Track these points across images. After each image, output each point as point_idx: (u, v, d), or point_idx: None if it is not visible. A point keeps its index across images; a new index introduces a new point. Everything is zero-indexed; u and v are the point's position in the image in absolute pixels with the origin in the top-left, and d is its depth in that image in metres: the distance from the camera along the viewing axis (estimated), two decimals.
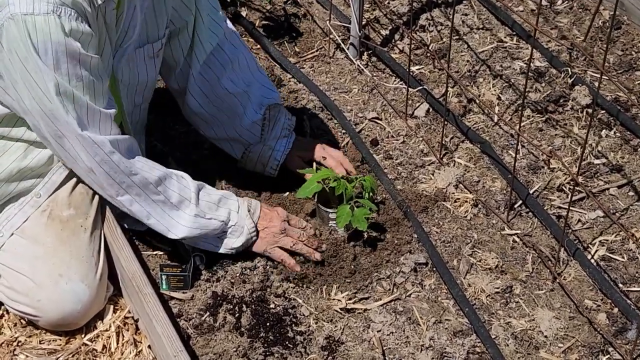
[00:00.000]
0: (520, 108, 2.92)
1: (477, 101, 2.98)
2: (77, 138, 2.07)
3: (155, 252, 2.44)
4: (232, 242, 2.33)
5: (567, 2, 3.41)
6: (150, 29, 2.31)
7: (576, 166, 2.69)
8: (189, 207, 2.26)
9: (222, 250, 2.34)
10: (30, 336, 2.26)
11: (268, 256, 2.37)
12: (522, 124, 2.79)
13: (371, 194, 2.46)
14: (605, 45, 3.17)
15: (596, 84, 3.02)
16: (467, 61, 3.14)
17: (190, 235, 2.27)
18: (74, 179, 2.31)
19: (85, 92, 2.05)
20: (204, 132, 2.62)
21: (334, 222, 2.42)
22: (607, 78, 3.00)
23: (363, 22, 3.12)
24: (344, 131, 2.85)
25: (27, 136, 2.20)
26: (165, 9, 2.34)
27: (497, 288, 2.37)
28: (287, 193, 2.59)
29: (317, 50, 3.24)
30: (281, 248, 2.37)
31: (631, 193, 2.65)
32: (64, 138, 2.08)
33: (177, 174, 2.27)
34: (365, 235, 2.43)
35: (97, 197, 2.36)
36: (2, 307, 2.30)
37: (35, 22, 1.92)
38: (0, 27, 1.94)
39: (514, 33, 3.28)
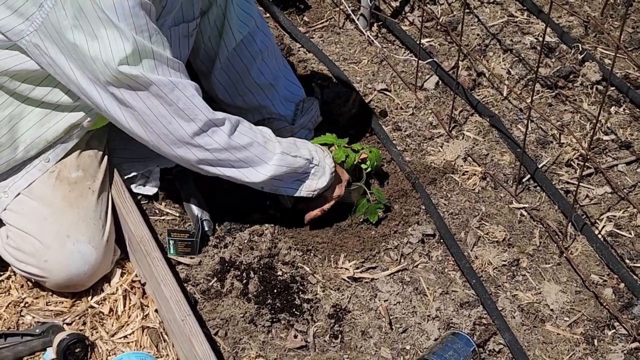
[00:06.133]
0: (530, 82, 2.91)
1: (487, 75, 2.97)
2: (166, 96, 2.04)
3: (163, 218, 2.44)
4: (314, 184, 2.30)
5: None
6: (187, 8, 2.30)
7: (585, 142, 2.69)
8: (274, 145, 2.22)
9: (303, 194, 2.30)
10: (37, 297, 2.26)
11: (320, 203, 2.37)
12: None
13: (375, 163, 2.46)
14: (617, 22, 3.15)
15: (606, 60, 3.01)
16: (478, 35, 3.12)
17: (277, 173, 2.21)
18: (84, 142, 2.31)
19: (165, 45, 2.03)
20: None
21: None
22: (620, 55, 2.99)
23: None
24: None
25: (49, 98, 2.16)
26: None
27: (504, 261, 2.37)
28: None
29: (327, 21, 3.23)
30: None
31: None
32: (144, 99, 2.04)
33: (239, 118, 2.22)
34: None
35: (105, 159, 2.35)
36: (9, 269, 2.30)
37: None
38: None
39: (525, 8, 3.26)
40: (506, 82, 2.94)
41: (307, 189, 2.30)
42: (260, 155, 2.19)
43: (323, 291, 2.27)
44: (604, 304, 2.27)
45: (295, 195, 2.31)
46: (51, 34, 1.98)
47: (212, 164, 2.18)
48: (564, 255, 2.38)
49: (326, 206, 2.36)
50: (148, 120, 2.07)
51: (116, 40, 1.94)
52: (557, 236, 2.43)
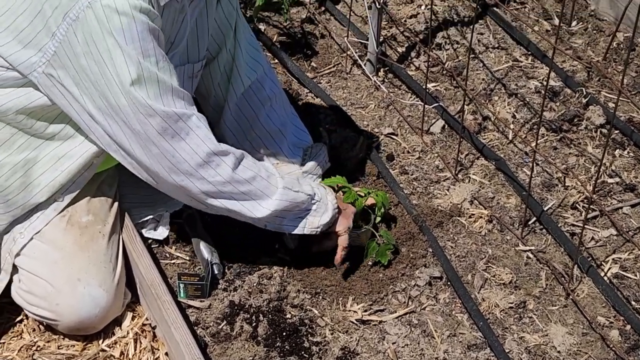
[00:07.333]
0: (535, 126, 2.95)
1: (493, 119, 3.00)
2: (168, 131, 2.06)
3: (173, 261, 2.47)
4: (317, 221, 2.30)
5: (581, 23, 3.45)
6: (192, 48, 2.34)
7: (590, 184, 2.71)
8: (277, 180, 2.24)
9: (306, 231, 2.31)
10: (49, 341, 2.28)
11: (333, 242, 2.38)
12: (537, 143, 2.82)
13: (382, 210, 2.50)
14: (620, 67, 3.20)
15: (610, 104, 3.05)
16: (483, 79, 3.17)
17: (279, 208, 2.23)
18: (95, 186, 2.34)
19: (172, 73, 2.06)
20: None
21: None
22: (623, 99, 3.02)
23: (380, 39, 3.15)
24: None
25: (63, 134, 2.20)
26: (207, 31, 2.37)
27: (511, 303, 2.39)
28: None
29: (334, 66, 3.27)
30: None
31: None
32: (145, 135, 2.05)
33: (243, 152, 2.24)
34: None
35: (115, 204, 2.38)
36: (22, 312, 2.32)
37: (117, 5, 1.92)
38: (76, 20, 1.94)
39: (529, 53, 3.31)
40: (511, 125, 2.97)
41: (310, 225, 2.31)
42: (263, 189, 2.22)
43: (332, 334, 2.29)
44: (611, 346, 2.28)
45: (298, 232, 2.31)
46: (64, 63, 2.01)
47: (214, 196, 2.19)
48: (570, 297, 2.40)
49: (343, 241, 2.37)
50: (154, 151, 2.09)
51: (123, 64, 1.97)
52: (563, 278, 2.45)
